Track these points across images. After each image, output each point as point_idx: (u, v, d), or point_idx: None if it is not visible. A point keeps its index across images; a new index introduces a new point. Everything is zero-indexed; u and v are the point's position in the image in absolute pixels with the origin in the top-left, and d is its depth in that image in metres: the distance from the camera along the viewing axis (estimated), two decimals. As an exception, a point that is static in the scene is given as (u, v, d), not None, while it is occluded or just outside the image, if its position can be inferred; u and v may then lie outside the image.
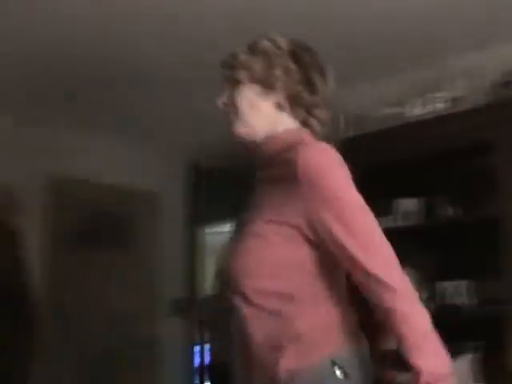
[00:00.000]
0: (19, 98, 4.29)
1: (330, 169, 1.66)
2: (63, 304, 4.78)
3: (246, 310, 1.73)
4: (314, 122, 1.86)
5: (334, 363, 1.67)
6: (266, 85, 1.82)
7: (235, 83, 1.86)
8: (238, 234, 1.79)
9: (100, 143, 5.19)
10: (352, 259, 1.62)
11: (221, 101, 1.89)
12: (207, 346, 6.52)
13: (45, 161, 4.82)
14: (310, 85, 1.83)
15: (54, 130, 4.83)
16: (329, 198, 1.63)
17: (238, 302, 1.75)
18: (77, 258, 4.99)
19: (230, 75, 1.87)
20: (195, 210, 5.89)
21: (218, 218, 7.31)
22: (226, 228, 8.51)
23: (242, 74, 1.84)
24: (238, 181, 5.95)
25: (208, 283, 6.81)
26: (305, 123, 1.86)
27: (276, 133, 1.83)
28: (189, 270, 5.87)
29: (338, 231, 1.63)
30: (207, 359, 6.40)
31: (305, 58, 1.84)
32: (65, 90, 4.21)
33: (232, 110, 1.87)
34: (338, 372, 1.67)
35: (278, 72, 1.81)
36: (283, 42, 1.86)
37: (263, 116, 1.84)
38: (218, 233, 7.93)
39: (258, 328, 1.71)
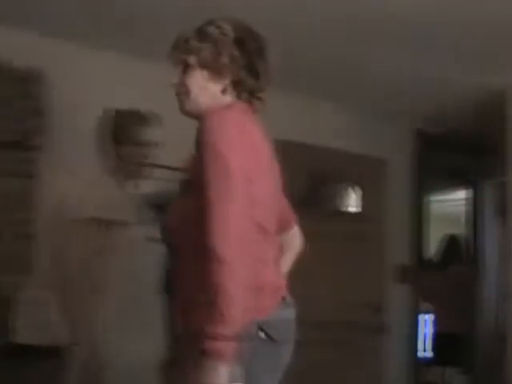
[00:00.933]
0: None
1: (218, 129, 1.82)
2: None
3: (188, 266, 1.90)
4: (256, 102, 2.06)
5: (259, 325, 1.83)
6: (214, 71, 2.00)
7: (186, 66, 2.03)
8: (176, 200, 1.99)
9: (326, 110, 5.29)
10: None
11: (173, 81, 2.06)
12: (431, 316, 6.48)
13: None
14: (253, 70, 2.02)
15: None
16: (206, 155, 1.80)
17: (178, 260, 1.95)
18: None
19: (181, 59, 2.04)
20: (420, 178, 5.83)
21: (441, 185, 7.18)
22: (449, 196, 8.39)
23: (193, 59, 2.01)
24: (458, 148, 5.87)
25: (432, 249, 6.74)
26: (248, 103, 2.04)
27: (214, 107, 1.96)
28: (415, 237, 5.84)
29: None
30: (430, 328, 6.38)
31: (249, 45, 2.02)
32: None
33: (182, 90, 2.03)
34: (261, 334, 1.84)
35: (225, 59, 1.99)
36: (229, 29, 2.02)
37: (210, 97, 2.01)
38: (441, 201, 7.78)
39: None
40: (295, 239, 2.34)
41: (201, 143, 1.82)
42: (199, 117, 1.95)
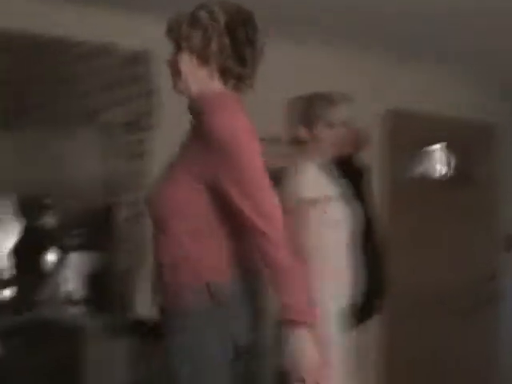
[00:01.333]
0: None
1: (242, 137, 1.98)
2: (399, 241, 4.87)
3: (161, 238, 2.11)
4: (243, 88, 2.16)
5: (209, 288, 2.01)
6: (202, 57, 2.10)
7: (178, 49, 2.13)
8: (166, 175, 2.15)
9: (432, 76, 5.14)
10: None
11: (168, 59, 2.17)
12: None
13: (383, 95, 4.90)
14: (240, 59, 2.10)
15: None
16: (234, 164, 1.97)
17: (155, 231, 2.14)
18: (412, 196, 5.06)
19: (174, 41, 2.14)
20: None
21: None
22: None
23: (183, 44, 2.11)
24: None
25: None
26: (235, 89, 2.15)
27: (205, 94, 2.11)
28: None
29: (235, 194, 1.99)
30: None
31: (238, 34, 2.08)
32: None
33: (174, 70, 2.15)
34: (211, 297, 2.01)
35: (214, 48, 2.08)
36: (220, 15, 2.08)
37: (198, 80, 2.12)
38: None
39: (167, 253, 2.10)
40: None
41: (217, 140, 1.97)
42: (191, 98, 2.15)
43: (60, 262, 4.13)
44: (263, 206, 1.97)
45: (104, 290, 4.06)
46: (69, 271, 4.13)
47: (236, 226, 2.06)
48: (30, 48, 3.85)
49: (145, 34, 3.93)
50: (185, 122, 2.20)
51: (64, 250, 4.15)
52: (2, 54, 3.78)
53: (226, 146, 1.96)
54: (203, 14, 2.10)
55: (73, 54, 3.95)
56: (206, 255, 2.07)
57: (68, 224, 4.18)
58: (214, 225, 2.08)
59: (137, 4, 3.93)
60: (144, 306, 3.29)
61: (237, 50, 2.10)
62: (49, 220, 4.14)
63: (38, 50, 3.86)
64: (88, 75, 3.98)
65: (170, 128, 3.98)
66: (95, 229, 4.17)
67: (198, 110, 2.12)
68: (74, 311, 4.11)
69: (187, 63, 2.12)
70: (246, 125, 2.02)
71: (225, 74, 2.12)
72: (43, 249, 4.13)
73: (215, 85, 2.13)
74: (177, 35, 2.13)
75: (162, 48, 2.26)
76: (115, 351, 3.82)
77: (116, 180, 4.05)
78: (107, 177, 4.08)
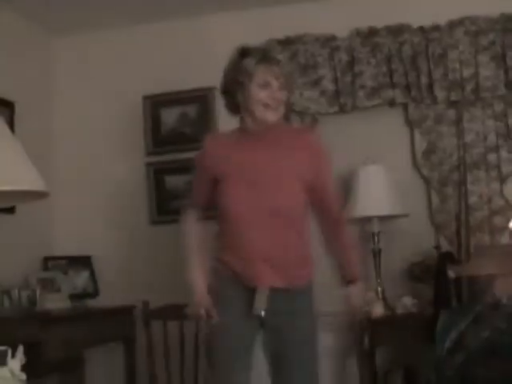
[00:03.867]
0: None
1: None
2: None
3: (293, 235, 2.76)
4: None
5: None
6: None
7: (284, 87, 2.72)
8: (268, 176, 2.71)
9: None
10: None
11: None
12: None
13: None
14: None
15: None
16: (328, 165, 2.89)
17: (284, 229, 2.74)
18: None
19: (283, 79, 2.70)
20: None
21: None
22: None
23: (287, 86, 2.74)
24: None
25: None
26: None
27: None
28: None
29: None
30: None
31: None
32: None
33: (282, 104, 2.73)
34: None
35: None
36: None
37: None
38: None
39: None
40: None
41: (321, 153, 2.85)
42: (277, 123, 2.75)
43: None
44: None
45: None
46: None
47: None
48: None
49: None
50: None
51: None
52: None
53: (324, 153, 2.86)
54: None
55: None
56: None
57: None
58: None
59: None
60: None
61: None
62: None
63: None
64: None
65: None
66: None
67: (283, 129, 2.85)
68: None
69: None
70: None
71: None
72: None
73: None
74: (283, 73, 2.72)
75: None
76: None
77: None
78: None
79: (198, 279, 2.80)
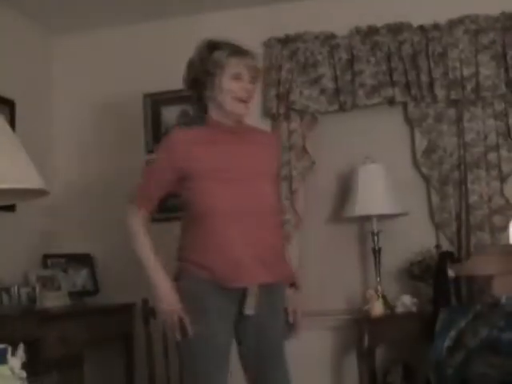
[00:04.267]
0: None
1: None
2: None
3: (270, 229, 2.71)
4: None
5: None
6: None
7: (256, 80, 2.71)
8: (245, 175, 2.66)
9: None
10: None
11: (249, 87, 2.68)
12: None
13: None
14: None
15: None
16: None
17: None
18: None
19: (254, 73, 2.69)
20: None
21: None
22: None
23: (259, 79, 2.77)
24: None
25: None
26: None
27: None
28: None
29: None
30: None
31: None
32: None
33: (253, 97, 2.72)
34: None
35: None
36: None
37: None
38: None
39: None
40: None
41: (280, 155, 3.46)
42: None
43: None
44: None
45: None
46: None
47: None
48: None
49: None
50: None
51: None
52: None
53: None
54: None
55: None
56: None
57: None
58: None
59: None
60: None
61: None
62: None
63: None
64: None
65: None
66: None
67: (249, 126, 2.81)
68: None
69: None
70: None
71: None
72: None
73: None
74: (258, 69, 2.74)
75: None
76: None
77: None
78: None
79: (166, 282, 2.65)
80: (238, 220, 2.58)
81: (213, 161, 2.63)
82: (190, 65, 2.75)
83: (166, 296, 2.63)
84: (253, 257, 2.58)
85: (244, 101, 2.65)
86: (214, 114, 2.70)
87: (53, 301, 4.01)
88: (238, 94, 2.62)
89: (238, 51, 2.65)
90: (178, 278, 2.68)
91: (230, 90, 2.62)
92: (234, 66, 2.62)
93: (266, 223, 2.65)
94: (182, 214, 2.79)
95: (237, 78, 2.62)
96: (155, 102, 4.62)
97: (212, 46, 2.67)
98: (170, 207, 4.40)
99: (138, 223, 2.75)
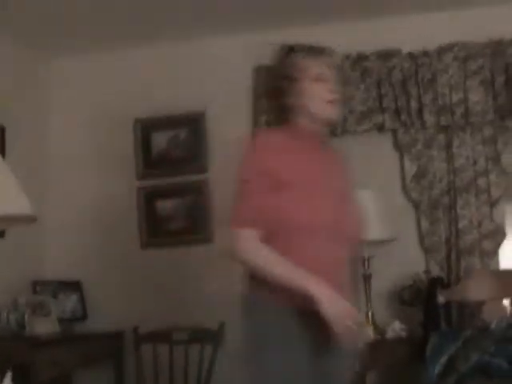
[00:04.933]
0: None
1: None
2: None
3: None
4: None
5: None
6: None
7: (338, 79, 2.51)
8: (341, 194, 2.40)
9: None
10: None
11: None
12: None
13: None
14: None
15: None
16: None
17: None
18: None
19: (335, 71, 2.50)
20: None
21: None
22: None
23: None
24: None
25: None
26: None
27: None
28: None
29: None
30: None
31: None
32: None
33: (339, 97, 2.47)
34: None
35: None
36: None
37: None
38: None
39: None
40: None
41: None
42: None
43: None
44: None
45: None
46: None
47: None
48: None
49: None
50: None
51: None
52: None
53: None
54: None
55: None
56: None
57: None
58: None
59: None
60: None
61: None
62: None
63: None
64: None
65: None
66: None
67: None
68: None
69: None
70: None
71: None
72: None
73: None
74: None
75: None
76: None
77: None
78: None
79: (323, 283, 2.21)
80: (336, 238, 2.31)
81: (305, 170, 2.37)
82: (269, 72, 2.60)
83: (332, 297, 2.20)
84: (341, 284, 2.31)
85: (331, 102, 2.41)
86: (299, 122, 2.43)
87: (42, 327, 3.99)
88: (323, 96, 2.39)
89: (315, 50, 2.47)
90: (253, 310, 2.37)
91: (314, 93, 2.39)
92: (314, 66, 2.42)
93: (347, 246, 2.40)
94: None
95: (319, 79, 2.40)
96: (146, 127, 4.63)
97: (288, 50, 2.49)
98: (163, 233, 4.47)
99: (259, 245, 2.29)
